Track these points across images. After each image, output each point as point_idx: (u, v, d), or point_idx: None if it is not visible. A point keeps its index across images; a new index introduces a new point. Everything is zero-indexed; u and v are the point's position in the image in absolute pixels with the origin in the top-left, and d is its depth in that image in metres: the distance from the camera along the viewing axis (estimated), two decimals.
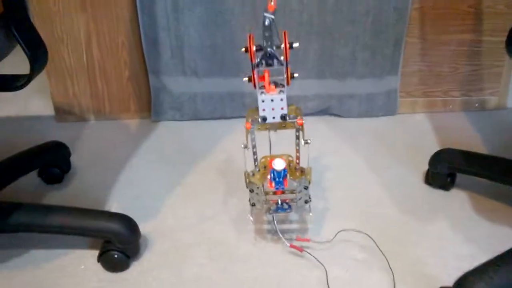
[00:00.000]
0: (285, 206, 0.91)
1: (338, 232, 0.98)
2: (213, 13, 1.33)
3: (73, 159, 1.28)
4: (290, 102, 1.43)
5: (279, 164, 0.87)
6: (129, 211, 1.10)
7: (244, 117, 1.46)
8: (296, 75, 0.81)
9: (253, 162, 0.90)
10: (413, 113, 1.49)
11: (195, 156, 1.31)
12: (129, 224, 0.94)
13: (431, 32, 1.38)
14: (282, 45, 0.78)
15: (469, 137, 1.36)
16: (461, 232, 1.02)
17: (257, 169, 0.88)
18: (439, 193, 1.14)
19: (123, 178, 1.23)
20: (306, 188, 0.89)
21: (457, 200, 1.11)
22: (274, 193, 0.92)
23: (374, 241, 0.97)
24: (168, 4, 1.31)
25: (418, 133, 1.39)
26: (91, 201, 1.14)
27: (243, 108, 1.48)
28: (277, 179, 0.88)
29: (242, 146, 0.83)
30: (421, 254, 0.96)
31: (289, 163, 0.92)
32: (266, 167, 0.94)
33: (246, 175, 0.92)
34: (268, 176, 0.91)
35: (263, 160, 0.94)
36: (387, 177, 1.20)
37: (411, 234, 1.02)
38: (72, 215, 0.94)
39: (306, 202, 0.91)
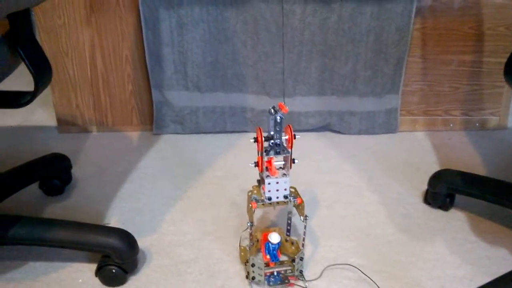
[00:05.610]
0: (282, 277, 0.95)
1: (325, 268, 0.98)
2: (216, 30, 1.34)
3: (74, 170, 1.29)
4: (291, 116, 1.45)
5: (275, 238, 0.94)
6: (128, 225, 1.11)
7: (245, 131, 1.49)
8: (296, 161, 0.90)
9: (248, 236, 0.96)
10: (413, 131, 1.50)
11: (196, 170, 1.32)
12: (128, 240, 0.94)
13: (432, 52, 1.39)
14: (287, 136, 0.88)
15: (469, 156, 1.37)
16: (458, 253, 1.02)
17: (252, 243, 0.93)
18: (438, 213, 1.14)
19: (123, 190, 1.24)
20: (301, 259, 0.94)
21: (455, 220, 1.11)
22: (267, 264, 0.96)
23: (360, 270, 0.97)
24: (172, 20, 1.33)
25: (418, 151, 1.40)
26: (91, 213, 1.15)
27: (244, 122, 1.49)
28: (271, 252, 0.95)
29: (248, 224, 0.91)
30: (418, 275, 0.96)
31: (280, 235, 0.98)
32: (259, 240, 1.00)
33: (243, 249, 0.99)
34: (262, 249, 0.98)
35: (256, 233, 1.00)
36: (386, 195, 1.20)
37: (408, 254, 1.02)
38: (71, 229, 0.94)
39: (301, 272, 0.95)
